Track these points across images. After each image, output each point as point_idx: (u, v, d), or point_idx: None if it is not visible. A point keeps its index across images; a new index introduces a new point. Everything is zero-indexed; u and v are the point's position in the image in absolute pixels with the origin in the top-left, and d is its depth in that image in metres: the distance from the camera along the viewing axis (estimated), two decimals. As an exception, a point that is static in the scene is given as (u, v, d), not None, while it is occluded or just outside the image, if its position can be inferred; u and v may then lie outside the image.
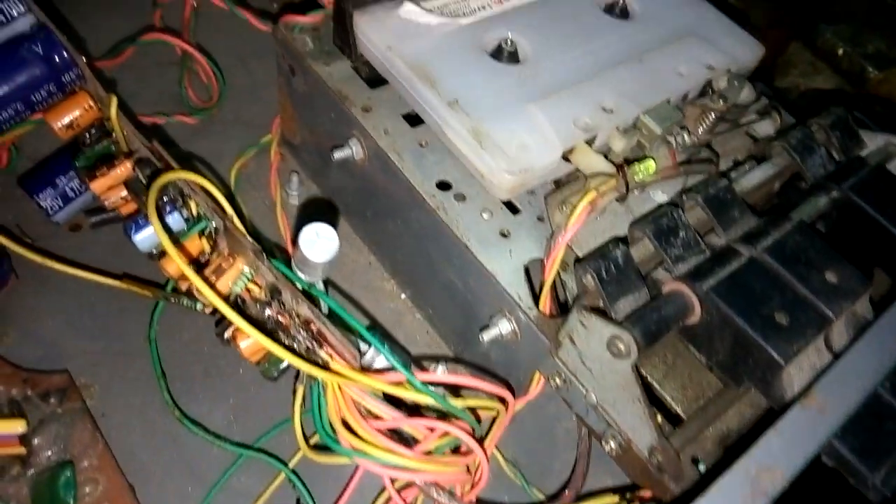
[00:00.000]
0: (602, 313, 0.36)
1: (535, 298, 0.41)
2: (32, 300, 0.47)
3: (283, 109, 0.55)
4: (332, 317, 0.38)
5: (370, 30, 0.44)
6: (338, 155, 0.47)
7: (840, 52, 0.83)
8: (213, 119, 0.60)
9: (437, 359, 0.48)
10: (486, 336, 0.41)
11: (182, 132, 0.58)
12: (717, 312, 0.36)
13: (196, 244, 0.41)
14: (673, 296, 0.37)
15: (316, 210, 0.56)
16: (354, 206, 0.53)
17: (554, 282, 0.40)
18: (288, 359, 0.34)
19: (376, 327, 0.49)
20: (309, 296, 0.37)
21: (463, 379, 0.38)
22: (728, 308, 0.35)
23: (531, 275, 0.42)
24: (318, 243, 0.34)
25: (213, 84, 0.57)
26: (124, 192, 0.44)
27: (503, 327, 0.41)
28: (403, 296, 0.52)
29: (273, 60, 0.53)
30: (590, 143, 0.43)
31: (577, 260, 0.38)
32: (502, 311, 0.41)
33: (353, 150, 0.47)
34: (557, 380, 0.40)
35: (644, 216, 0.40)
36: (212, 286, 0.35)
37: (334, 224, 0.54)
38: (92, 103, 0.45)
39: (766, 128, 0.49)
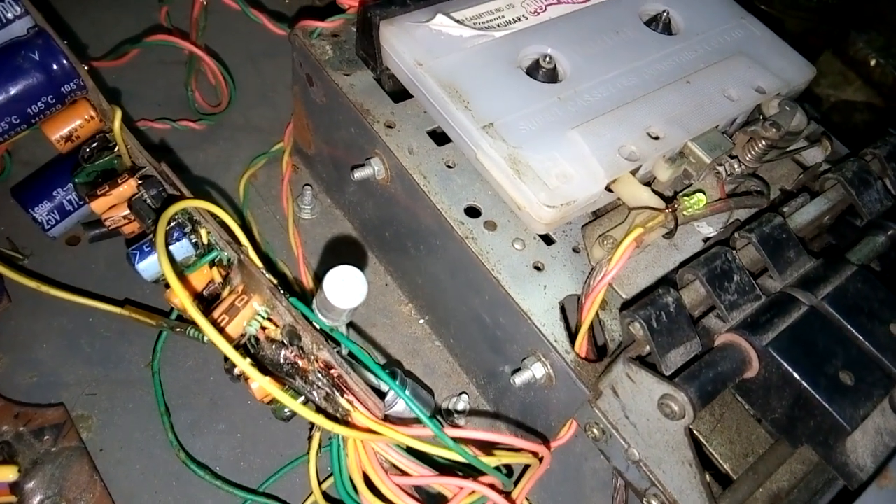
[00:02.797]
0: (651, 366, 0.33)
1: (571, 338, 0.38)
2: (26, 323, 0.44)
3: (296, 118, 0.52)
4: (352, 357, 0.35)
5: (398, 42, 0.41)
6: (358, 174, 0.43)
7: (872, 62, 0.80)
8: (221, 123, 0.56)
9: (459, 393, 0.46)
10: (518, 380, 0.38)
11: (188, 138, 0.55)
12: (777, 370, 0.33)
13: (206, 274, 0.37)
14: (729, 349, 0.34)
15: (338, 242, 0.52)
16: (372, 224, 0.50)
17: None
18: (305, 414, 0.31)
19: (397, 365, 0.46)
20: (329, 338, 0.34)
21: (496, 436, 0.35)
22: (789, 366, 0.32)
23: (566, 311, 0.39)
24: (345, 288, 0.31)
25: (223, 88, 0.54)
26: (126, 211, 0.41)
27: (537, 371, 0.38)
28: (422, 321, 0.49)
29: (286, 60, 0.49)
30: (633, 171, 0.39)
31: (624, 306, 0.35)
32: (536, 354, 0.38)
33: (374, 170, 0.44)
34: (595, 430, 0.37)
35: (695, 256, 0.37)
36: (221, 329, 0.32)
37: (362, 261, 0.51)
38: (93, 113, 0.41)
39: (815, 155, 0.46)
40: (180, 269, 0.37)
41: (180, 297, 0.30)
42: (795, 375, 0.32)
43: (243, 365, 0.31)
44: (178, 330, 0.40)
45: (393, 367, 0.40)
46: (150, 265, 0.37)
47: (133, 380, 0.43)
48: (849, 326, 0.35)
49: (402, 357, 0.48)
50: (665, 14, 0.46)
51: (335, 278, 0.30)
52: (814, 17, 0.76)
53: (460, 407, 0.45)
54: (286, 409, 0.36)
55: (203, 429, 0.43)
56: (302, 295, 0.48)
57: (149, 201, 0.39)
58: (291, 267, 0.50)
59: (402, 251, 0.47)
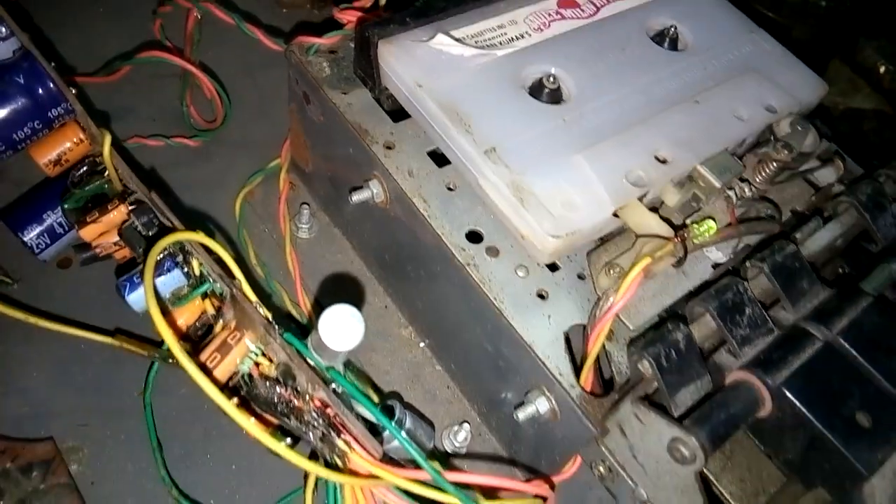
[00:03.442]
0: (659, 406, 0.32)
1: (576, 370, 0.36)
2: (16, 351, 0.43)
3: (293, 136, 0.51)
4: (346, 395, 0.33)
5: (397, 62, 0.40)
6: (356, 197, 0.42)
7: (881, 69, 0.78)
8: (216, 139, 0.55)
9: (460, 422, 0.44)
10: (522, 415, 0.37)
11: (183, 154, 0.54)
12: (791, 411, 0.32)
13: (198, 305, 0.36)
14: (741, 389, 0.32)
15: (336, 263, 0.51)
16: (371, 245, 0.48)
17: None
18: (296, 461, 0.30)
19: (397, 395, 0.45)
20: (325, 377, 0.33)
21: (498, 481, 0.34)
22: (804, 407, 0.31)
23: (571, 341, 0.38)
24: (341, 329, 0.29)
25: (218, 106, 0.52)
26: (117, 238, 0.39)
27: (541, 406, 0.36)
28: (422, 344, 0.48)
29: (282, 71, 0.48)
30: (640, 197, 0.38)
31: (632, 341, 0.34)
32: (540, 388, 0.37)
33: (373, 193, 0.42)
34: (601, 468, 0.35)
35: (704, 284, 0.36)
36: (210, 371, 0.31)
37: (360, 283, 0.49)
38: (82, 136, 0.40)
39: (827, 175, 0.44)
40: (173, 301, 0.36)
41: (166, 340, 0.29)
42: (810, 417, 0.31)
43: (230, 409, 0.29)
44: (170, 361, 0.39)
45: (392, 400, 0.39)
46: (141, 297, 0.36)
47: (125, 409, 0.42)
48: (865, 363, 0.33)
49: (402, 382, 0.46)
50: (673, 29, 0.45)
51: (331, 319, 0.29)
52: (822, 23, 0.74)
53: (461, 437, 0.43)
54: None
55: (197, 460, 0.42)
56: (299, 322, 0.47)
57: (140, 228, 0.38)
58: (289, 288, 0.49)
59: (401, 274, 0.46)
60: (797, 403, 0.31)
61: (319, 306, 0.48)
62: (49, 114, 0.37)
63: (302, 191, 0.53)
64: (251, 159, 0.54)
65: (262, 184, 0.53)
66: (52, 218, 0.44)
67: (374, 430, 0.33)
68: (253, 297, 0.33)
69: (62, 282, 0.46)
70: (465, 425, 0.44)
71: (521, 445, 0.42)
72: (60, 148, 0.40)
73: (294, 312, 0.48)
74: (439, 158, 0.42)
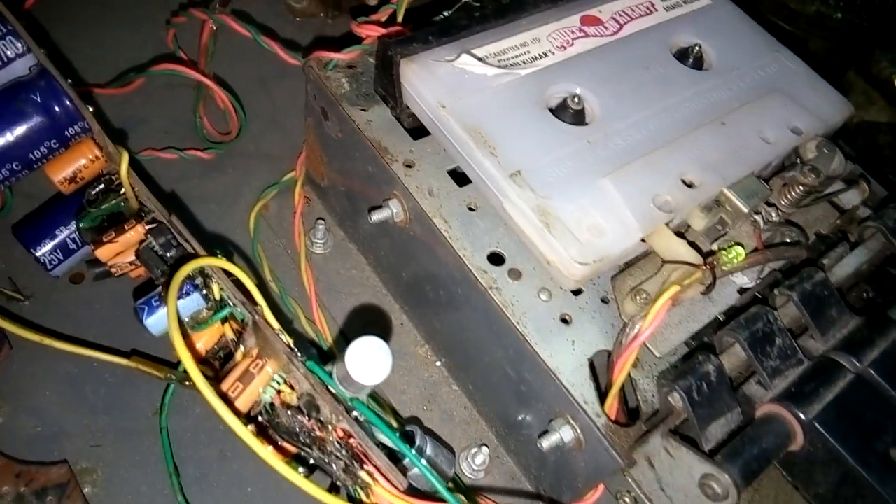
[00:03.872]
0: (689, 439, 0.32)
1: (601, 398, 0.36)
2: (28, 370, 0.42)
3: (309, 150, 0.50)
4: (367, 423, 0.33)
5: (420, 82, 0.39)
6: (375, 217, 0.41)
7: (896, 81, 0.78)
8: (230, 151, 0.54)
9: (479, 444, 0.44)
10: (546, 443, 0.36)
11: (196, 166, 0.53)
12: (824, 446, 0.31)
13: (217, 329, 0.36)
14: (773, 423, 0.32)
15: (351, 280, 0.50)
16: (388, 262, 0.48)
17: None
18: (317, 494, 0.29)
19: (415, 420, 0.44)
20: (348, 407, 0.32)
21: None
22: (837, 443, 0.31)
23: (595, 368, 0.37)
24: (369, 363, 0.29)
25: (233, 118, 0.52)
26: (133, 257, 0.39)
27: (565, 434, 0.36)
28: (439, 363, 0.47)
29: (296, 82, 0.47)
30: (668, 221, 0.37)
31: (661, 374, 0.33)
32: (564, 416, 0.36)
33: (392, 212, 0.42)
34: (626, 499, 0.35)
35: (730, 309, 0.35)
36: (231, 403, 0.30)
37: (376, 299, 0.49)
38: (98, 153, 0.39)
39: (851, 197, 0.44)
40: (192, 324, 0.35)
41: (191, 374, 0.28)
42: (843, 453, 0.31)
43: (253, 443, 0.29)
44: (187, 384, 0.38)
45: (411, 425, 0.38)
46: (159, 321, 0.36)
47: (140, 429, 0.42)
48: (897, 396, 0.33)
49: (419, 402, 0.46)
50: (697, 48, 0.44)
51: (358, 352, 0.29)
52: (837, 36, 0.74)
53: (479, 460, 0.43)
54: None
55: (212, 482, 0.41)
56: (318, 346, 0.46)
57: (157, 249, 0.37)
58: (304, 306, 0.48)
59: (419, 293, 0.45)
60: (830, 439, 0.31)
61: (335, 323, 0.48)
62: (66, 132, 0.36)
63: (316, 205, 0.52)
64: (265, 172, 0.53)
65: (277, 197, 0.52)
66: (65, 233, 0.43)
67: (394, 457, 0.33)
68: (275, 324, 0.32)
69: (74, 297, 0.46)
70: (484, 448, 0.43)
71: (541, 471, 0.41)
72: (76, 165, 0.39)
73: (310, 330, 0.47)
74: (459, 177, 0.41)
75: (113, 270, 0.39)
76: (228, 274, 0.33)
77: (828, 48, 0.73)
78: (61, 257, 0.43)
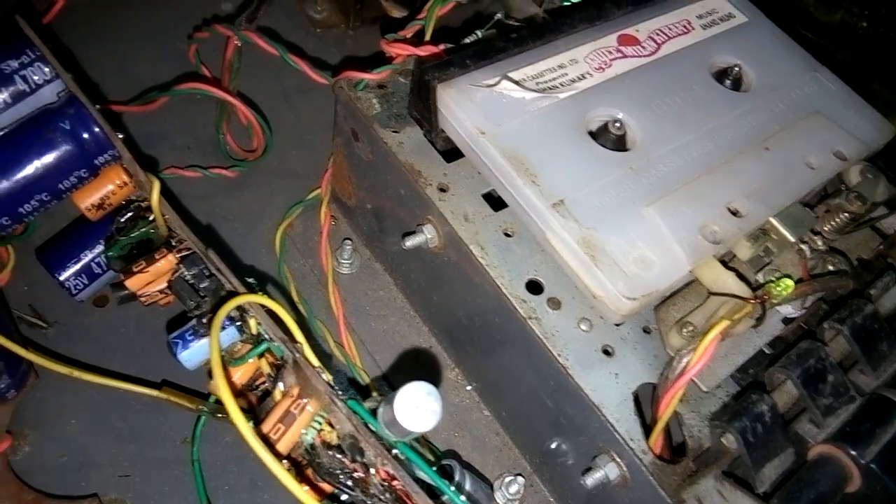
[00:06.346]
0: (741, 480, 0.31)
1: (646, 432, 0.35)
2: (54, 399, 0.41)
3: (336, 169, 0.49)
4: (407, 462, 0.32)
5: (458, 108, 0.38)
6: (409, 243, 0.40)
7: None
8: (254, 168, 0.53)
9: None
10: (590, 481, 0.35)
11: (220, 184, 0.52)
12: (883, 489, 0.30)
13: (253, 363, 0.35)
14: (828, 464, 0.31)
15: (379, 301, 0.49)
16: (418, 285, 0.47)
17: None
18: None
19: (454, 456, 0.43)
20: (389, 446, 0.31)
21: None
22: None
23: (639, 400, 0.36)
24: (419, 410, 0.28)
25: (259, 136, 0.51)
26: (163, 286, 0.38)
27: (610, 471, 0.35)
28: (469, 388, 0.47)
29: (320, 97, 0.46)
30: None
31: (714, 416, 0.32)
32: (608, 452, 0.35)
33: (427, 238, 0.41)
34: (673, 538, 0.34)
35: (776, 340, 0.34)
36: (272, 445, 0.29)
37: (404, 322, 0.48)
38: (126, 178, 0.38)
39: (893, 221, 0.43)
40: (228, 359, 0.34)
41: (233, 417, 0.27)
42: (904, 497, 0.30)
43: (294, 487, 0.28)
44: (220, 416, 0.37)
45: (449, 460, 0.37)
46: (193, 355, 0.35)
47: (169, 459, 0.41)
48: (955, 437, 0.32)
49: (451, 429, 0.45)
50: (737, 69, 0.43)
51: (408, 399, 0.28)
52: (862, 46, 0.72)
53: (514, 489, 0.42)
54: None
55: (243, 514, 0.40)
56: (357, 382, 0.45)
57: (189, 279, 0.36)
58: (332, 328, 0.47)
59: (451, 318, 0.44)
60: (890, 482, 0.30)
61: (363, 346, 0.47)
62: (95, 161, 0.35)
63: (342, 224, 0.51)
64: (290, 189, 0.52)
65: (302, 216, 0.51)
66: (90, 257, 0.42)
67: (433, 493, 0.32)
68: (316, 361, 0.32)
69: (99, 321, 0.45)
70: (519, 478, 0.42)
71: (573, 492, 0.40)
72: (103, 192, 0.38)
73: (338, 353, 0.46)
74: (495, 201, 0.40)
75: (143, 300, 0.38)
76: (269, 312, 0.32)
77: (852, 58, 0.72)
78: (86, 282, 0.42)
